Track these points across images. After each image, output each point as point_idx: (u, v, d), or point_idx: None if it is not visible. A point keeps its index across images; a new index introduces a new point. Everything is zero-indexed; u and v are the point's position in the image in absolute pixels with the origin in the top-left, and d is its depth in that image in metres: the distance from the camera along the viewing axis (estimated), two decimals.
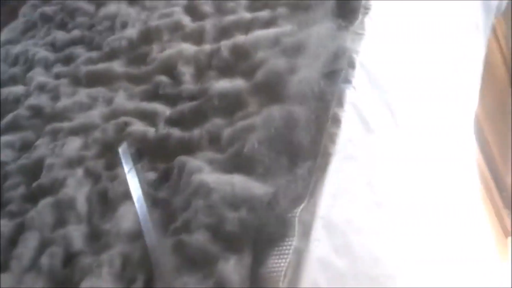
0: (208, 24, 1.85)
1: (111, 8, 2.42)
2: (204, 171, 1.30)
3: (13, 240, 1.59)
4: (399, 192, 1.30)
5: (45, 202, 1.60)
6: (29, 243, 1.51)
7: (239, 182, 1.19)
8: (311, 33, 1.43)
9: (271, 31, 1.57)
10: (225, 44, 1.68)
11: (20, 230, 1.60)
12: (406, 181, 1.34)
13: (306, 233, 1.01)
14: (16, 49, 2.71)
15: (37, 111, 2.12)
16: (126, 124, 1.69)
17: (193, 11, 2.00)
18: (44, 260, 1.41)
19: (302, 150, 1.16)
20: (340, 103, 1.19)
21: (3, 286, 1.43)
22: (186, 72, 1.73)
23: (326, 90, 1.19)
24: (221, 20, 1.82)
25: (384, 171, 1.27)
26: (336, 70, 1.23)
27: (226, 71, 1.60)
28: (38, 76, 2.35)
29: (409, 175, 1.36)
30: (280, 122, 1.22)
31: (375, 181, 1.22)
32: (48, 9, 2.71)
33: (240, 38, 1.67)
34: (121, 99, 1.83)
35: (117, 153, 1.54)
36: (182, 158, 1.43)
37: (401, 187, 1.32)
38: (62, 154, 1.75)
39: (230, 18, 1.80)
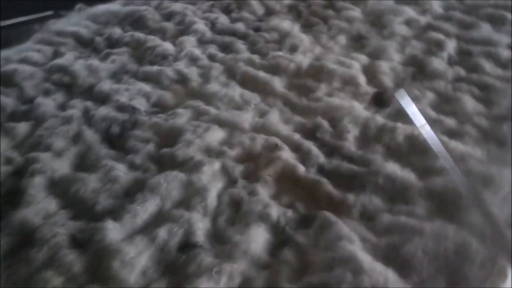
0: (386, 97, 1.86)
1: (281, 23, 2.45)
2: (355, 245, 1.30)
3: (130, 192, 1.59)
4: None
5: (175, 175, 1.60)
6: (148, 205, 1.51)
7: (393, 281, 1.18)
8: (503, 174, 1.43)
9: (457, 145, 1.57)
10: (401, 128, 1.68)
11: (139, 187, 1.59)
12: None
13: None
14: (174, 6, 2.75)
15: (182, 79, 2.14)
16: (277, 147, 1.69)
17: (371, 74, 2.01)
18: (162, 233, 1.40)
19: (466, 284, 1.15)
20: None
21: (109, 233, 1.42)
22: (351, 131, 1.74)
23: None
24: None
25: None
26: None
27: (396, 155, 1.60)
28: (190, 45, 2.38)
29: None
30: (452, 246, 1.21)
31: None
32: None
33: (417, 130, 1.67)
34: (275, 118, 1.84)
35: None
36: (329, 215, 1.43)
37: None
38: (204, 138, 1.76)
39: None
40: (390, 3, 2.49)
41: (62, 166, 1.71)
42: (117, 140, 1.83)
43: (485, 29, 2.17)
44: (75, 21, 2.71)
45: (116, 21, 2.69)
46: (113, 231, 1.42)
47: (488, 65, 1.96)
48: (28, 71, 2.25)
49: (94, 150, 1.77)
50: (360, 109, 1.82)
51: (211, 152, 1.71)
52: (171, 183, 1.56)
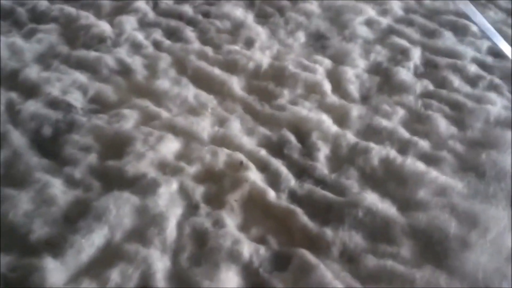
0: (355, 111, 1.73)
1: (234, 10, 2.22)
2: None
3: (70, 217, 1.34)
4: None
5: (126, 198, 1.37)
6: (95, 237, 1.27)
7: None
8: (488, 213, 1.36)
9: (437, 176, 1.48)
10: (376, 152, 1.57)
11: (82, 210, 1.35)
12: None
13: None
14: None
15: (124, 70, 1.87)
16: (242, 164, 1.50)
17: (336, 81, 1.87)
18: (114, 276, 1.18)
19: None
20: None
21: (49, 274, 1.18)
22: (321, 149, 1.60)
23: None
24: (371, 117, 1.71)
25: None
26: None
27: (374, 183, 1.49)
28: (131, 27, 2.09)
29: None
30: None
31: None
32: None
33: (392, 153, 1.57)
34: (237, 128, 1.65)
35: None
36: (307, 254, 1.28)
37: None
38: (157, 149, 1.53)
39: (382, 122, 1.69)
40: None
41: None
42: (49, 145, 1.55)
43: (448, 39, 2.10)
44: None
45: None
46: (53, 272, 1.17)
47: (456, 81, 1.89)
48: None
49: (23, 158, 1.48)
50: (329, 123, 1.68)
51: (166, 168, 1.48)
52: (121, 208, 1.33)
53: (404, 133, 1.65)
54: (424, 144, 1.62)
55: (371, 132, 1.66)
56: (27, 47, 1.91)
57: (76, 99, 1.71)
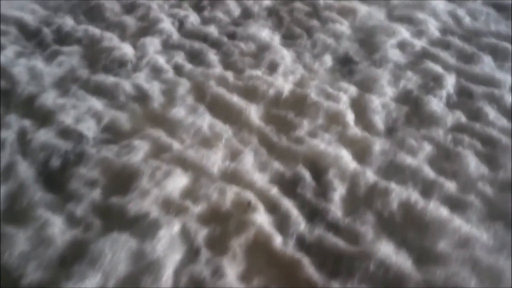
0: (378, 145, 1.61)
1: (260, 32, 2.14)
2: None
3: (66, 259, 1.30)
4: None
5: (123, 241, 1.32)
6: (87, 284, 1.22)
7: None
8: None
9: (460, 224, 1.35)
10: (396, 193, 1.44)
11: (78, 252, 1.30)
12: None
13: None
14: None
15: (142, 96, 1.83)
16: (250, 205, 1.42)
17: (360, 111, 1.75)
18: None
19: None
20: None
21: None
22: (337, 189, 1.49)
23: None
24: (395, 152, 1.59)
25: None
26: None
27: (391, 230, 1.37)
28: (154, 49, 2.06)
29: None
30: None
31: None
32: None
33: (414, 195, 1.44)
34: (250, 162, 1.57)
35: None
36: None
37: None
38: (163, 186, 1.47)
39: (406, 159, 1.57)
40: (381, 18, 2.21)
41: None
42: (56, 178, 1.52)
43: (487, 64, 1.94)
44: (20, 4, 2.31)
45: (68, 7, 2.32)
46: None
47: (492, 113, 1.73)
48: None
49: (27, 191, 1.46)
50: (347, 159, 1.57)
51: (170, 207, 1.42)
52: (117, 253, 1.28)
53: (430, 173, 1.53)
54: (450, 186, 1.48)
55: (393, 170, 1.55)
56: (47, 71, 1.91)
57: (89, 128, 1.68)
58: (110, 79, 1.86)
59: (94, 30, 2.13)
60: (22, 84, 1.83)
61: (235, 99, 1.79)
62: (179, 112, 1.74)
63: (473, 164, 1.55)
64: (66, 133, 1.64)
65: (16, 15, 2.20)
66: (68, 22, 2.19)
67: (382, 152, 1.60)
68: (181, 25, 2.21)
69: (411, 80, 1.87)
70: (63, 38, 2.12)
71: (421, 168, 1.53)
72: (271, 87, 1.84)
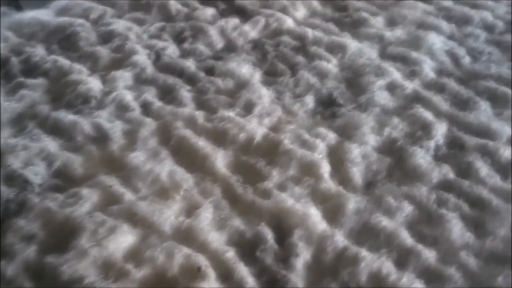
0: (353, 203, 1.44)
1: (240, 68, 1.99)
2: None
3: None
4: None
5: None
6: None
7: None
8: None
9: None
10: (367, 263, 1.28)
11: None
12: None
13: None
14: (117, 24, 2.26)
15: (101, 137, 1.70)
16: (199, 271, 1.26)
17: (337, 162, 1.58)
18: None
19: None
20: None
21: None
22: (301, 254, 1.32)
23: None
24: (371, 212, 1.41)
25: None
26: None
27: None
28: (124, 84, 1.94)
29: None
30: None
31: None
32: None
33: (387, 265, 1.27)
34: (207, 219, 1.42)
35: None
36: None
37: None
38: (105, 246, 1.32)
39: (382, 220, 1.39)
40: (373, 56, 2.04)
41: None
42: None
43: (483, 111, 1.77)
44: None
45: (42, 35, 2.20)
46: None
47: (484, 168, 1.55)
48: None
49: None
50: (316, 218, 1.41)
51: (109, 271, 1.25)
52: None
53: (407, 239, 1.35)
54: (429, 256, 1.31)
55: (366, 234, 1.38)
56: (5, 106, 1.77)
57: (37, 172, 1.54)
58: (69, 117, 1.72)
59: (63, 62, 2.00)
60: None
61: (202, 143, 1.64)
62: (138, 156, 1.59)
63: (457, 229, 1.37)
64: (11, 178, 1.50)
65: None
66: (39, 51, 2.07)
67: (357, 212, 1.43)
68: (157, 57, 2.08)
69: (397, 128, 1.71)
70: (31, 69, 2.00)
71: (398, 233, 1.36)
72: (242, 130, 1.68)
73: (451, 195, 1.47)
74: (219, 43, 2.19)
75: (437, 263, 1.29)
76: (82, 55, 2.08)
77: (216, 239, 1.36)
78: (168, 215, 1.40)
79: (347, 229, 1.39)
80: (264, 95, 1.88)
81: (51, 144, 1.63)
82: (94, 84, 1.89)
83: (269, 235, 1.37)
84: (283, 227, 1.40)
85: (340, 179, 1.54)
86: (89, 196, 1.45)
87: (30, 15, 2.32)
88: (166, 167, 1.56)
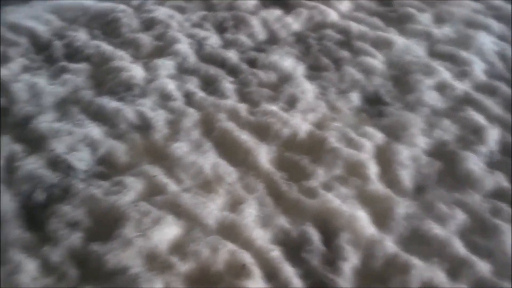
0: (403, 207, 1.40)
1: (283, 61, 1.94)
2: None
3: None
4: None
5: None
6: None
7: None
8: None
9: None
10: (417, 272, 1.23)
11: None
12: None
13: None
14: (158, 11, 2.23)
15: (144, 126, 1.68)
16: (244, 268, 1.23)
17: (386, 163, 1.54)
18: None
19: None
20: None
21: None
22: (349, 258, 1.28)
23: None
24: (422, 218, 1.37)
25: None
26: None
27: None
28: (166, 73, 1.90)
29: None
30: None
31: None
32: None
33: (438, 276, 1.22)
34: (251, 216, 1.38)
35: None
36: None
37: None
38: (150, 236, 1.31)
39: (433, 228, 1.34)
40: (420, 53, 1.98)
41: None
42: (38, 215, 1.36)
43: None
44: (36, 12, 2.18)
45: (84, 20, 2.18)
46: None
47: None
48: None
49: (4, 228, 1.30)
50: (365, 222, 1.36)
51: (154, 262, 1.23)
52: None
53: (460, 248, 1.30)
54: (483, 267, 1.26)
55: (417, 241, 1.33)
56: (49, 89, 1.77)
57: (82, 158, 1.53)
58: (112, 104, 1.70)
59: (106, 47, 1.98)
60: (20, 102, 1.69)
61: (244, 136, 1.61)
62: (181, 147, 1.56)
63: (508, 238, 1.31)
64: (55, 163, 1.49)
65: (29, 25, 2.08)
66: (81, 36, 2.06)
67: (406, 217, 1.39)
68: (199, 47, 2.04)
69: (448, 131, 1.65)
70: (73, 53, 1.99)
71: (450, 242, 1.31)
72: (286, 126, 1.65)
73: (505, 205, 1.40)
74: (261, 35, 2.15)
75: (492, 276, 1.24)
76: (124, 42, 2.05)
77: (260, 236, 1.33)
78: (212, 209, 1.38)
79: (396, 234, 1.35)
80: (308, 90, 1.83)
81: (95, 130, 1.61)
82: (136, 72, 1.87)
83: (315, 235, 1.34)
84: (329, 228, 1.36)
85: (388, 181, 1.49)
86: (133, 185, 1.43)
87: None
88: (209, 160, 1.53)
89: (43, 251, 1.27)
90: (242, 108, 1.73)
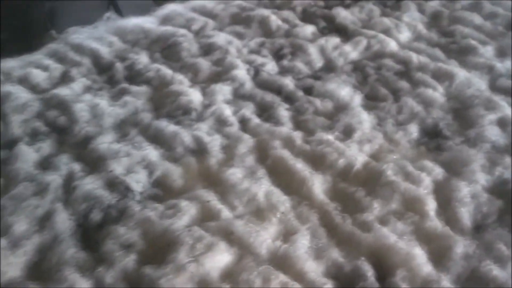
0: (461, 246, 1.34)
1: (339, 90, 1.93)
2: None
3: None
4: None
5: None
6: None
7: None
8: None
9: None
10: None
11: None
12: None
13: None
14: (218, 37, 2.28)
15: (199, 150, 1.69)
16: None
17: (444, 199, 1.49)
18: None
19: None
20: None
21: None
22: None
23: None
24: (480, 259, 1.31)
25: None
26: None
27: None
28: (222, 98, 1.91)
29: None
30: None
31: None
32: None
33: None
34: (304, 247, 1.37)
35: None
36: None
37: None
38: (202, 262, 1.30)
39: (493, 269, 1.28)
40: (482, 87, 1.92)
41: (13, 266, 1.27)
42: (93, 234, 1.39)
43: None
44: (100, 34, 2.27)
45: (145, 43, 2.25)
46: None
47: None
48: (21, 99, 1.83)
49: (59, 246, 1.33)
50: (422, 260, 1.31)
51: None
52: None
53: None
54: None
55: (475, 282, 1.28)
56: (109, 110, 1.82)
57: (139, 180, 1.55)
58: (170, 128, 1.73)
59: (166, 71, 2.03)
60: (80, 122, 1.75)
61: (299, 165, 1.60)
62: (235, 173, 1.57)
63: None
64: (113, 184, 1.53)
65: (92, 46, 2.16)
66: (142, 59, 2.12)
67: (465, 256, 1.33)
68: (256, 73, 2.06)
69: (509, 168, 1.58)
70: (134, 76, 2.04)
71: (509, 284, 1.24)
72: (342, 156, 1.63)
73: None
74: (319, 62, 2.15)
75: None
76: (184, 66, 2.10)
77: (313, 269, 1.31)
78: (265, 238, 1.37)
79: (454, 274, 1.30)
80: (365, 120, 1.81)
81: (152, 153, 1.64)
82: (194, 96, 1.90)
83: (369, 272, 1.30)
84: (385, 264, 1.32)
85: (447, 218, 1.44)
86: (188, 209, 1.44)
87: (134, 21, 2.37)
88: (263, 187, 1.53)
89: (97, 272, 1.29)
90: (297, 136, 1.72)
